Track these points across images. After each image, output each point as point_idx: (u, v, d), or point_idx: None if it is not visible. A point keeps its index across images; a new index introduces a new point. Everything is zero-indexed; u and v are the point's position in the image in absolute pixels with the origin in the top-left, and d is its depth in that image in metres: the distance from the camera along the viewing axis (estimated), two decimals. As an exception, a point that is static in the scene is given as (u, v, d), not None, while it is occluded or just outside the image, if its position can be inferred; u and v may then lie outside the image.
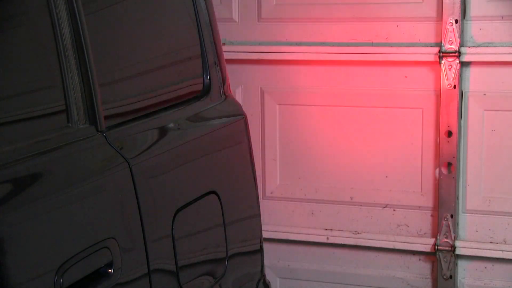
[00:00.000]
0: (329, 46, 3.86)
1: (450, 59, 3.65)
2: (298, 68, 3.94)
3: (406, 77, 3.80)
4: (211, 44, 2.80)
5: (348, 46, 3.84)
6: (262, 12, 3.95)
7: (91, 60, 2.14)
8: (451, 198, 3.75)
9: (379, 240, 3.93)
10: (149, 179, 2.29)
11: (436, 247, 3.80)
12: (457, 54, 3.63)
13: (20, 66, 1.98)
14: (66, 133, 2.07)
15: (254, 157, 2.97)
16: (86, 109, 2.13)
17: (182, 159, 2.49)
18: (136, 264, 2.18)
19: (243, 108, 2.99)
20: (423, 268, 3.92)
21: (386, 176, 3.89)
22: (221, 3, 3.96)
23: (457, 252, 3.79)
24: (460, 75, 3.67)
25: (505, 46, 3.61)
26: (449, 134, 3.71)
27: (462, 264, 3.84)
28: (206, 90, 2.76)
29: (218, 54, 2.83)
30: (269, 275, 3.95)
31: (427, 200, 3.85)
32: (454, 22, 3.62)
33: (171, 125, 2.54)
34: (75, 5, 2.11)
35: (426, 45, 3.73)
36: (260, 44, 3.97)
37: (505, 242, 3.76)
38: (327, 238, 4.01)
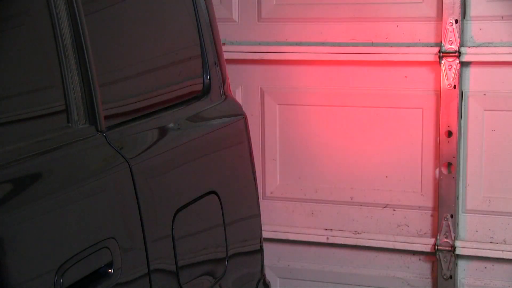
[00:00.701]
0: (329, 46, 3.86)
1: (450, 59, 3.65)
2: (298, 68, 3.94)
3: (406, 77, 3.80)
4: (211, 44, 2.80)
5: (348, 46, 3.84)
6: (262, 12, 3.95)
7: (91, 60, 2.14)
8: (451, 198, 3.75)
9: (379, 240, 3.93)
10: (149, 179, 2.29)
11: (436, 247, 3.80)
12: (457, 54, 3.63)
13: (20, 66, 1.98)
14: (66, 133, 2.07)
15: (254, 157, 2.97)
16: (86, 109, 2.13)
17: (182, 159, 2.49)
18: (136, 264, 2.18)
19: (243, 108, 2.99)
20: (423, 268, 3.92)
21: (386, 176, 3.89)
22: (221, 3, 3.96)
23: (457, 252, 3.79)
24: (460, 75, 3.67)
25: (505, 46, 3.61)
26: (449, 134, 3.71)
27: (462, 264, 3.84)
28: (206, 90, 2.76)
29: (218, 54, 2.83)
30: (269, 275, 3.95)
31: (427, 200, 3.85)
32: (454, 22, 3.62)
33: (171, 125, 2.54)
34: (75, 5, 2.11)
35: (426, 45, 3.73)
36: (260, 44, 3.97)
37: (505, 242, 3.76)
38: (327, 238, 4.01)
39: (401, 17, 3.76)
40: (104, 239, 2.05)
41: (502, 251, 3.75)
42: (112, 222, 2.11)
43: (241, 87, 4.04)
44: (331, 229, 4.01)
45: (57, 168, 1.99)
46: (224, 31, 3.74)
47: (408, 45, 3.76)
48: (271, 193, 4.07)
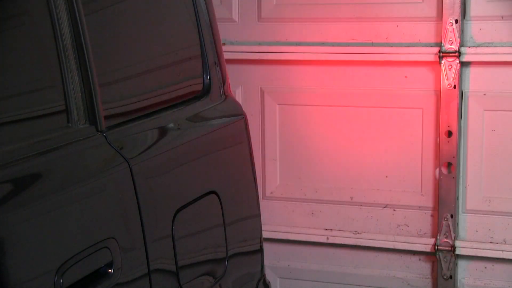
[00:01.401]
0: (329, 46, 3.86)
1: (450, 59, 3.65)
2: (298, 68, 3.94)
3: (406, 77, 3.80)
4: (211, 44, 2.80)
5: (348, 46, 3.84)
6: (262, 12, 3.95)
7: (91, 60, 2.14)
8: (451, 198, 3.75)
9: (379, 240, 3.93)
10: (149, 179, 2.29)
11: (436, 247, 3.80)
12: (457, 54, 3.63)
13: (20, 66, 1.98)
14: (66, 133, 2.07)
15: (254, 157, 2.97)
16: (86, 109, 2.13)
17: (182, 159, 2.49)
18: (136, 264, 2.18)
19: (243, 108, 2.99)
20: (423, 268, 3.92)
21: (386, 176, 3.89)
22: (221, 3, 3.96)
23: (457, 252, 3.79)
24: (460, 75, 3.67)
25: (505, 46, 3.61)
26: (449, 134, 3.71)
27: (462, 264, 3.84)
28: (206, 90, 2.76)
29: (218, 54, 2.83)
30: (269, 275, 3.95)
31: (427, 200, 3.85)
32: (454, 22, 3.62)
33: (171, 125, 2.54)
34: (75, 5, 2.11)
35: (426, 45, 3.73)
36: (260, 44, 3.97)
37: (505, 242, 3.76)
38: (327, 238, 4.01)
39: (401, 17, 3.76)
40: (104, 239, 2.05)
41: (502, 251, 3.75)
42: (112, 222, 2.11)
43: (241, 87, 4.04)
44: (331, 229, 4.01)
45: (57, 168, 1.99)
46: (224, 31, 3.74)
47: (408, 45, 3.76)
48: (271, 193, 4.07)
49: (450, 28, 3.63)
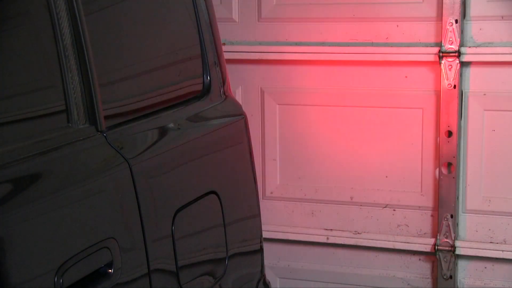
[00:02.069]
0: (329, 46, 3.86)
1: (450, 59, 3.65)
2: (298, 68, 3.94)
3: (406, 77, 3.80)
4: (211, 44, 2.80)
5: (348, 46, 3.84)
6: (262, 12, 3.95)
7: (91, 60, 2.14)
8: (451, 198, 3.75)
9: (379, 240, 3.93)
10: (149, 179, 2.29)
11: (436, 247, 3.80)
12: (457, 54, 3.63)
13: (20, 66, 1.98)
14: (66, 133, 2.07)
15: (254, 157, 2.97)
16: (86, 109, 2.13)
17: (182, 159, 2.49)
18: (136, 264, 2.18)
19: (243, 108, 2.99)
20: (423, 268, 3.92)
21: (386, 176, 3.89)
22: (221, 3, 3.96)
23: (457, 252, 3.79)
24: (460, 75, 3.67)
25: (505, 46, 3.61)
26: (449, 134, 3.71)
27: (462, 264, 3.84)
28: (206, 90, 2.76)
29: (218, 54, 2.83)
30: (269, 275, 3.95)
31: (427, 200, 3.85)
32: (454, 22, 3.62)
33: (171, 125, 2.54)
34: (75, 5, 2.11)
35: (426, 45, 3.73)
36: (260, 44, 3.97)
37: (505, 242, 3.76)
38: (327, 238, 4.01)
39: (401, 17, 3.76)
40: (104, 239, 2.05)
41: (502, 251, 3.75)
42: (112, 222, 2.11)
43: (241, 87, 4.04)
44: (331, 229, 4.01)
45: (57, 168, 1.99)
46: (224, 31, 3.74)
47: (408, 45, 3.76)
48: (271, 193, 4.07)
49: (450, 28, 3.63)
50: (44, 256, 1.86)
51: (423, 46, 3.73)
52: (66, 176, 2.00)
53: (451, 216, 3.76)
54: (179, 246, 2.37)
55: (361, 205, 3.96)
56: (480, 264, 3.82)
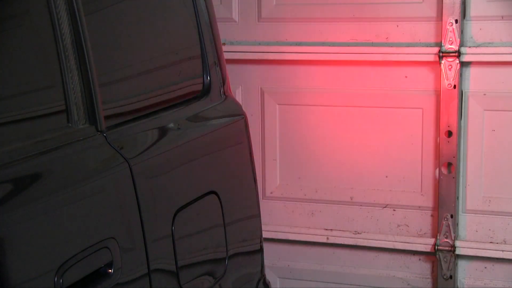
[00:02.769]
0: (329, 46, 3.86)
1: (450, 59, 3.64)
2: (298, 68, 3.94)
3: (406, 77, 3.80)
4: (211, 44, 2.80)
5: (348, 46, 3.84)
6: (262, 12, 3.95)
7: (91, 60, 2.14)
8: (451, 198, 3.75)
9: (379, 240, 3.93)
10: (149, 179, 2.29)
11: (436, 247, 3.80)
12: (457, 54, 3.63)
13: (20, 66, 1.98)
14: (66, 133, 2.07)
15: (254, 157, 2.97)
16: (86, 109, 2.13)
17: (182, 159, 2.49)
18: (136, 264, 2.18)
19: (243, 108, 2.99)
20: (423, 268, 3.92)
21: (386, 176, 3.89)
22: (221, 3, 3.96)
23: (457, 252, 3.79)
24: (460, 75, 3.67)
25: (505, 46, 3.61)
26: (449, 134, 3.71)
27: (462, 264, 3.84)
28: (206, 90, 2.76)
29: (218, 54, 2.83)
30: (269, 275, 3.94)
31: (427, 200, 3.85)
32: (454, 22, 3.62)
33: (171, 125, 2.54)
34: (75, 5, 2.11)
35: (426, 45, 3.73)
36: (260, 44, 3.97)
37: (505, 242, 3.76)
38: (327, 238, 4.01)
39: (401, 17, 3.76)
40: (104, 239, 2.05)
41: (502, 251, 3.75)
42: (112, 222, 2.11)
43: (241, 87, 4.04)
44: (331, 229, 4.01)
45: (57, 168, 1.99)
46: (224, 31, 3.74)
47: (408, 45, 3.76)
48: (271, 193, 4.07)
49: (450, 28, 3.63)
50: (44, 256, 1.86)
51: (423, 46, 3.73)
52: (66, 176, 2.00)
53: (451, 216, 3.76)
54: (179, 246, 2.37)
55: (361, 205, 3.96)
56: (480, 264, 3.82)
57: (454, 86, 3.67)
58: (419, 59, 3.74)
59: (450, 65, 3.65)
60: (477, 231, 3.79)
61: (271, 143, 4.03)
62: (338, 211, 4.00)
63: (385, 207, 3.92)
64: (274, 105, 4.01)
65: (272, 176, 4.06)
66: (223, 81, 2.85)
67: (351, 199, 3.96)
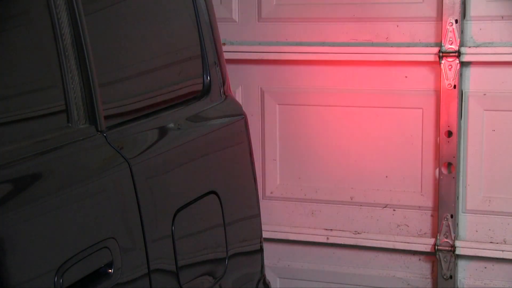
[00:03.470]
0: (329, 46, 3.86)
1: (450, 59, 3.65)
2: (298, 68, 3.94)
3: (406, 77, 3.80)
4: (211, 44, 2.80)
5: (348, 46, 3.84)
6: (262, 12, 3.95)
7: (91, 60, 2.14)
8: (451, 198, 3.75)
9: (379, 240, 3.93)
10: (149, 179, 2.29)
11: (436, 247, 3.80)
12: (457, 54, 3.63)
13: (20, 66, 1.98)
14: (66, 133, 2.07)
15: (254, 157, 2.97)
16: (86, 109, 2.13)
17: (182, 159, 2.49)
18: (136, 264, 2.18)
19: (243, 108, 2.99)
20: (423, 268, 3.93)
21: (386, 176, 3.89)
22: (221, 3, 3.96)
23: (457, 252, 3.79)
24: (460, 75, 3.67)
25: (505, 46, 3.61)
26: (449, 134, 3.71)
27: (462, 264, 3.84)
28: (206, 90, 2.76)
29: (218, 54, 2.83)
30: (269, 275, 3.94)
31: (427, 200, 3.85)
32: (454, 22, 3.62)
33: (171, 125, 2.54)
34: (75, 5, 2.11)
35: (426, 45, 3.73)
36: (260, 44, 3.97)
37: (505, 242, 3.76)
38: (327, 238, 4.01)
39: (401, 17, 3.76)
40: (104, 239, 2.05)
41: (502, 251, 3.75)
42: (112, 222, 2.11)
43: (241, 87, 4.04)
44: (331, 229, 4.01)
45: (57, 168, 1.99)
46: (224, 31, 3.74)
47: (408, 45, 3.76)
48: (271, 193, 4.07)
49: (450, 28, 3.63)
50: (44, 256, 1.86)
51: (423, 46, 3.73)
52: (66, 176, 2.00)
53: (451, 216, 3.76)
54: (179, 246, 2.37)
55: (361, 205, 3.96)
56: (480, 264, 3.82)
57: (454, 86, 3.67)
58: (419, 59, 3.74)
59: (450, 65, 3.65)
60: (477, 231, 3.79)
61: (271, 143, 4.03)
62: (338, 211, 4.00)
63: (385, 207, 3.92)
64: (274, 105, 4.01)
65: (272, 176, 4.06)
66: (223, 81, 2.85)
67: (351, 199, 3.96)
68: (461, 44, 3.64)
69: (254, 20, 3.97)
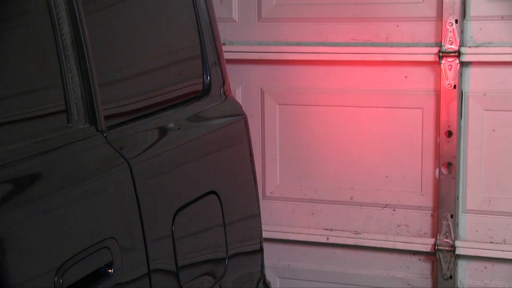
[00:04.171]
0: (329, 46, 3.86)
1: (450, 59, 3.65)
2: (298, 68, 3.94)
3: (406, 77, 3.80)
4: (211, 44, 2.80)
5: (348, 46, 3.84)
6: (262, 12, 3.95)
7: (91, 60, 2.14)
8: (451, 198, 3.75)
9: (379, 240, 3.93)
10: (149, 179, 2.29)
11: (436, 247, 3.80)
12: (457, 54, 3.63)
13: (20, 66, 1.98)
14: (66, 133, 2.07)
15: (254, 157, 2.97)
16: (86, 109, 2.13)
17: (182, 159, 2.49)
18: (136, 264, 2.18)
19: (243, 108, 2.99)
20: (423, 268, 3.92)
21: (386, 176, 3.89)
22: (221, 3, 3.96)
23: (457, 252, 3.79)
24: (460, 75, 3.67)
25: (505, 46, 3.61)
26: (449, 134, 3.71)
27: (462, 264, 3.84)
28: (206, 90, 2.76)
29: (218, 54, 2.83)
30: (269, 275, 3.95)
31: (427, 200, 3.85)
32: (454, 22, 3.62)
33: (171, 125, 2.54)
34: (75, 5, 2.11)
35: (426, 45, 3.73)
36: (260, 44, 3.97)
37: (505, 242, 3.76)
38: (327, 238, 4.01)
39: (401, 17, 3.76)
40: (104, 239, 2.05)
41: (502, 251, 3.75)
42: (112, 222, 2.11)
43: (241, 87, 4.04)
44: (331, 229, 4.01)
45: (57, 168, 1.99)
46: (224, 31, 3.73)
47: (408, 45, 3.76)
48: (271, 193, 4.07)
49: (450, 28, 3.63)
50: (44, 256, 1.86)
51: (423, 46, 3.73)
52: (66, 176, 2.00)
53: (451, 216, 3.76)
54: (179, 246, 2.37)
55: (361, 205, 3.96)
56: (480, 264, 3.82)
57: (454, 86, 3.67)
58: (419, 59, 3.74)
59: (450, 65, 3.65)
60: (477, 231, 3.79)
61: (271, 143, 4.03)
62: (338, 211, 4.00)
63: (385, 207, 3.92)
64: (274, 105, 4.01)
65: (272, 176, 4.06)
66: (223, 81, 2.86)
67: (351, 199, 3.96)
68: (461, 44, 3.64)
69: (254, 20, 3.97)
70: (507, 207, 3.73)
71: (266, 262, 3.10)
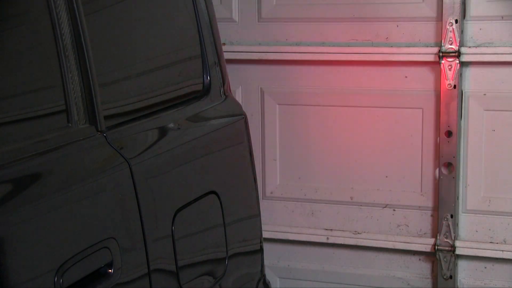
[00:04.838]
0: (329, 46, 3.86)
1: (450, 59, 3.64)
2: (298, 68, 3.94)
3: (406, 77, 3.80)
4: (211, 44, 2.80)
5: (348, 46, 3.84)
6: (262, 12, 3.95)
7: (91, 60, 2.15)
8: (451, 198, 3.75)
9: (379, 240, 3.93)
10: (149, 179, 2.29)
11: (436, 247, 3.80)
12: (457, 54, 3.63)
13: (20, 66, 1.98)
14: (66, 133, 2.07)
15: (254, 157, 2.97)
16: (86, 109, 2.13)
17: (182, 159, 2.49)
18: (136, 264, 2.18)
19: (243, 108, 2.99)
20: (423, 268, 3.92)
21: (386, 176, 3.89)
22: (221, 3, 3.96)
23: (457, 252, 3.79)
24: (460, 75, 3.67)
25: (505, 46, 3.61)
26: (449, 134, 3.71)
27: (462, 264, 3.84)
28: (206, 90, 2.76)
29: (218, 54, 2.83)
30: (269, 275, 3.95)
31: (427, 200, 3.85)
32: (454, 22, 3.62)
33: (171, 125, 2.54)
34: (75, 5, 2.11)
35: (426, 45, 3.73)
36: (260, 44, 3.97)
37: (505, 242, 3.76)
38: (327, 238, 4.01)
39: (401, 17, 3.76)
40: (104, 239, 2.05)
41: (502, 251, 3.75)
42: (112, 222, 2.11)
43: (241, 87, 4.04)
44: (331, 229, 4.01)
45: (57, 168, 1.99)
46: (224, 31, 3.73)
47: (408, 45, 3.76)
48: (271, 193, 4.07)
49: (450, 28, 3.63)
50: (44, 256, 1.86)
51: (423, 46, 3.73)
52: (66, 176, 2.00)
53: (451, 216, 3.76)
54: (179, 246, 2.37)
55: (361, 205, 3.96)
56: (480, 264, 3.82)
57: (454, 86, 3.67)
58: (419, 59, 3.74)
59: (450, 65, 3.65)
60: (477, 231, 3.79)
61: (271, 143, 4.03)
62: (338, 211, 4.00)
63: (385, 207, 3.92)
64: (274, 105, 4.01)
65: (272, 176, 4.06)
66: (223, 81, 2.86)
67: (351, 199, 3.96)
68: (461, 44, 3.64)
69: (254, 20, 3.97)
70: (507, 207, 3.73)
71: (266, 262, 3.10)
